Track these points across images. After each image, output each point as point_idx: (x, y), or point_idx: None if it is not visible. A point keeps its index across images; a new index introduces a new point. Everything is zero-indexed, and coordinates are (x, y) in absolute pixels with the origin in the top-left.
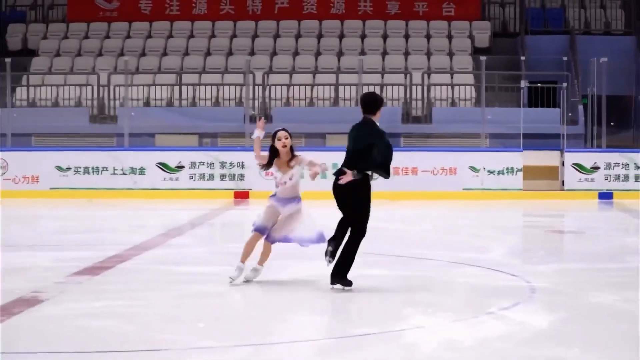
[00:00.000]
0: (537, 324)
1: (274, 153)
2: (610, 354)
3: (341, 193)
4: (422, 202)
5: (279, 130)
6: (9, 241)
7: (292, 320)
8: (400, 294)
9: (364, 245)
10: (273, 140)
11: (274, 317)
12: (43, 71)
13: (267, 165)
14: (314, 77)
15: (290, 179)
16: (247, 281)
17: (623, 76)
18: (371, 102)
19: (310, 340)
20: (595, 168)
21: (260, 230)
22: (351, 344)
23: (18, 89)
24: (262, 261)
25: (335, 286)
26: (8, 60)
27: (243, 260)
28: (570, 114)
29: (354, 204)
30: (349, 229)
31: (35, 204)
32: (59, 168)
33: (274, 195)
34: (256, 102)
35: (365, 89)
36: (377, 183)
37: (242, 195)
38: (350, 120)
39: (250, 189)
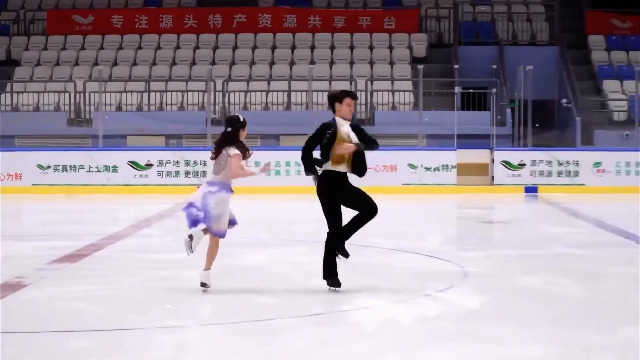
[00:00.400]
0: (470, 304)
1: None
2: (536, 331)
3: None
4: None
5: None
6: None
7: (250, 302)
8: (347, 278)
9: (313, 234)
10: (244, 128)
11: (234, 299)
12: (25, 79)
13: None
14: (268, 84)
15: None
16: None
17: (547, 82)
18: None
19: (269, 320)
20: (522, 165)
21: (222, 236)
22: (304, 322)
23: (2, 95)
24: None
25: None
26: None
27: (209, 267)
28: (499, 117)
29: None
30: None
31: (18, 199)
32: (39, 166)
33: (231, 190)
34: (217, 106)
35: (315, 95)
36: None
37: None
38: (302, 122)
39: None
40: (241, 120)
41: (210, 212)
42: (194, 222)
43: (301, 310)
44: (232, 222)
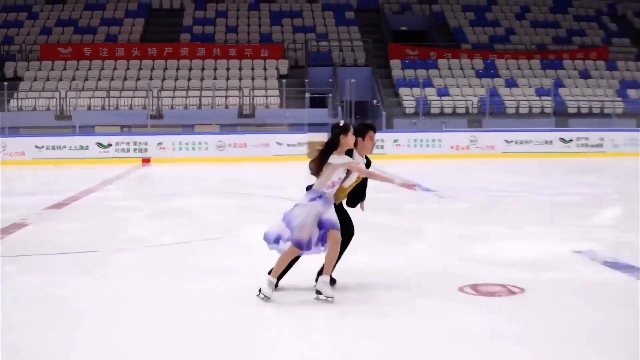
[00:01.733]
0: None
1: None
2: (362, 244)
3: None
4: (250, 163)
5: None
6: (7, 191)
7: (179, 231)
8: (240, 214)
9: (228, 185)
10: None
11: (174, 227)
12: (26, 90)
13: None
14: (187, 92)
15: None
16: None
17: (364, 90)
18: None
19: (188, 242)
20: None
21: (302, 247)
22: (211, 244)
23: (12, 100)
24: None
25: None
26: (5, 83)
27: (275, 276)
28: (333, 112)
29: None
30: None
31: (22, 169)
32: (37, 146)
33: (321, 197)
34: (153, 106)
35: (217, 99)
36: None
37: (146, 161)
38: (208, 117)
39: (151, 157)
40: (341, 124)
41: (292, 221)
42: (275, 240)
43: (209, 235)
44: (321, 239)
